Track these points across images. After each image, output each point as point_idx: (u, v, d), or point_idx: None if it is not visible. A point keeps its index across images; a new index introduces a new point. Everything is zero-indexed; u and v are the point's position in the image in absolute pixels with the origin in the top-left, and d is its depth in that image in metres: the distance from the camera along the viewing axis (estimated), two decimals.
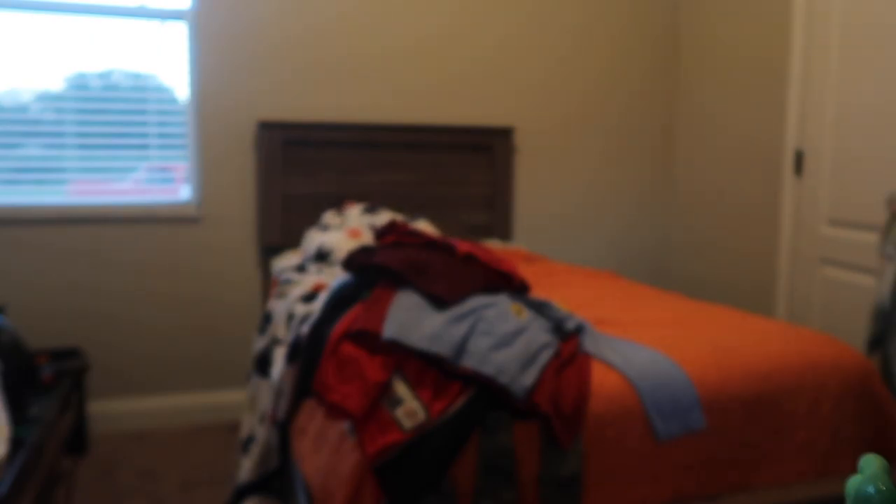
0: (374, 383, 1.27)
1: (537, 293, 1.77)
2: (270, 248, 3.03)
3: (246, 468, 1.94)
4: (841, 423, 1.46)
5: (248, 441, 2.01)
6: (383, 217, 2.74)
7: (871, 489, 0.45)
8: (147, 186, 3.07)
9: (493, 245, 3.04)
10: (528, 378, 1.28)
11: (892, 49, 2.39)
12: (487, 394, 1.27)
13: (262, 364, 2.06)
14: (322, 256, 2.42)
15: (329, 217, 2.84)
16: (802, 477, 1.42)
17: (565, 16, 3.45)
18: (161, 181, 3.10)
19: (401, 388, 1.28)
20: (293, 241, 3.00)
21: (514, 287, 1.63)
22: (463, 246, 1.71)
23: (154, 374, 3.04)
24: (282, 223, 3.04)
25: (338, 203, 3.07)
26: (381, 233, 1.91)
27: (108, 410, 2.96)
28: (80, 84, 2.95)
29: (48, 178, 2.93)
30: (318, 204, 3.08)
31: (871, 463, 0.47)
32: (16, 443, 1.88)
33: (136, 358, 3.01)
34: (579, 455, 1.25)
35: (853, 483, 0.46)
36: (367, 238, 2.48)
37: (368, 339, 1.39)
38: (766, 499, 1.40)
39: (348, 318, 1.49)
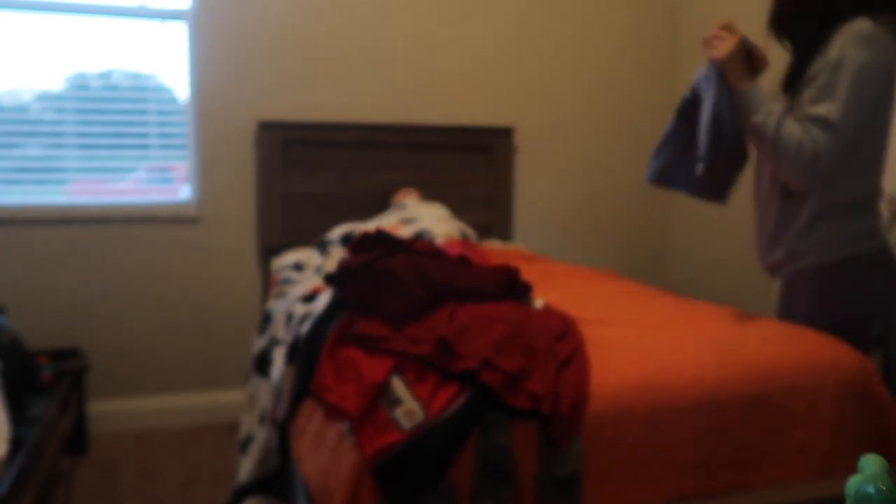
0: (371, 383, 1.27)
1: (537, 293, 1.76)
2: (270, 248, 3.03)
3: (245, 468, 1.93)
4: (841, 423, 1.45)
5: (248, 441, 2.01)
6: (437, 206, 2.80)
7: (871, 489, 0.45)
8: (147, 186, 3.07)
9: (494, 245, 3.03)
10: None
11: None
12: (486, 393, 1.27)
13: (262, 364, 2.06)
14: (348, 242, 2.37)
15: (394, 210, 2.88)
16: (802, 477, 1.42)
17: (565, 14, 3.45)
18: (161, 181, 3.10)
19: (399, 388, 1.27)
20: (293, 241, 3.00)
21: (519, 289, 1.64)
22: (454, 249, 1.68)
23: (154, 374, 3.04)
24: (282, 223, 3.04)
25: (333, 203, 3.07)
26: (361, 243, 1.74)
27: (108, 410, 2.96)
28: (80, 84, 2.95)
29: (48, 178, 2.94)
30: (318, 204, 3.08)
31: (871, 463, 0.47)
32: (16, 443, 1.88)
33: (136, 358, 3.01)
34: (578, 455, 1.25)
35: (853, 483, 0.46)
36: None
37: (366, 340, 1.39)
38: (766, 499, 1.39)
39: (347, 319, 1.49)
